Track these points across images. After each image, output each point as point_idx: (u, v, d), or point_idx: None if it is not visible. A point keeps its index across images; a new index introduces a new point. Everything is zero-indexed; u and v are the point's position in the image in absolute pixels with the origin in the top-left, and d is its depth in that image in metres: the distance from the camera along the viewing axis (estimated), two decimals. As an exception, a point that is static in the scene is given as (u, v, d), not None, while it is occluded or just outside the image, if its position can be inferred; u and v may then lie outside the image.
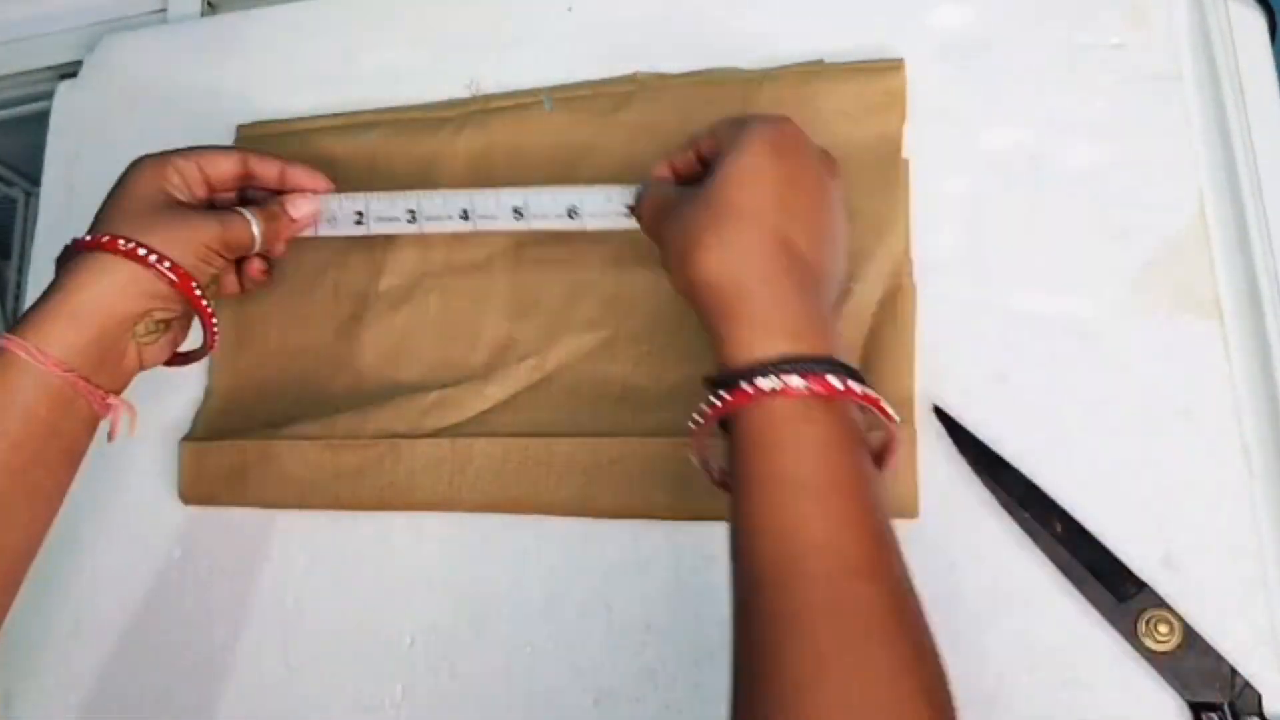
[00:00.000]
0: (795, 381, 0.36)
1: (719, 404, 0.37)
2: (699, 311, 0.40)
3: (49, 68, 0.70)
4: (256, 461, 0.54)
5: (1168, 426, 0.44)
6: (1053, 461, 0.45)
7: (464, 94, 0.58)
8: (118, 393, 0.47)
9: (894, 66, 0.51)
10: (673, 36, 0.55)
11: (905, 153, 0.50)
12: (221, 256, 0.49)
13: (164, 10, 0.69)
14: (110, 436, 0.47)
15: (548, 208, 0.48)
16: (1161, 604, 0.42)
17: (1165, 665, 0.41)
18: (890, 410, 0.38)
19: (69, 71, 0.68)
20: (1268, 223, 0.46)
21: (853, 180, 0.50)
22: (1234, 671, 0.41)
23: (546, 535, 0.50)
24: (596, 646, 0.48)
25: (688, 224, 0.40)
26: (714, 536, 0.47)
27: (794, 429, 0.36)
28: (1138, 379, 0.45)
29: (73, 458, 0.46)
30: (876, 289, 0.48)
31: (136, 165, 0.50)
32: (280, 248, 0.52)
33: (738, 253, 0.39)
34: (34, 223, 0.67)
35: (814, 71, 0.52)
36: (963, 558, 0.45)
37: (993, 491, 0.45)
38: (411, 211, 0.51)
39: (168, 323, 0.49)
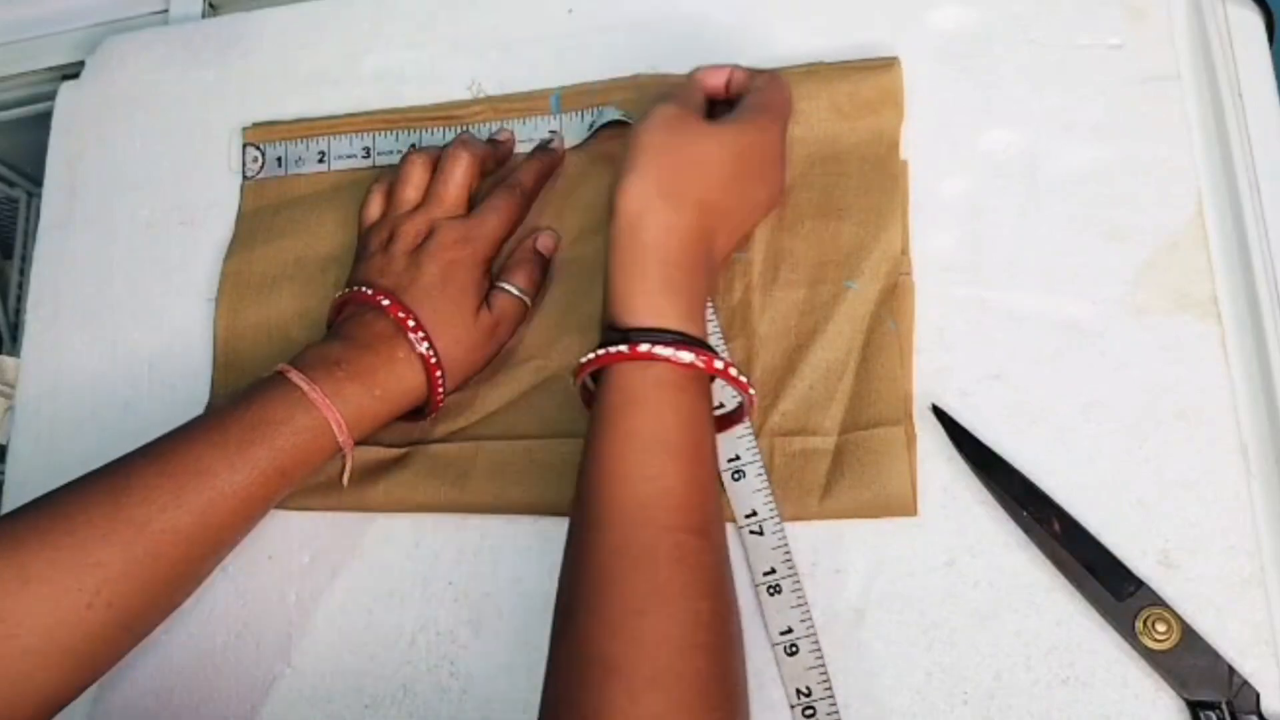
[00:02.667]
0: (684, 355, 0.40)
1: (621, 350, 0.41)
2: (611, 244, 0.43)
3: (51, 68, 0.70)
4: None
5: (1166, 426, 0.44)
6: (1051, 460, 0.45)
7: (464, 95, 0.59)
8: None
9: (888, 64, 0.51)
10: (673, 36, 0.55)
11: (904, 153, 0.50)
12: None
13: (165, 11, 0.69)
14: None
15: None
16: (1160, 602, 0.42)
17: (1163, 664, 0.41)
18: (744, 380, 0.43)
19: (71, 72, 0.68)
20: (1265, 223, 0.46)
21: (851, 179, 0.50)
22: (1232, 670, 0.41)
23: (547, 535, 0.50)
24: (596, 645, 0.48)
25: (660, 166, 0.43)
26: (713, 535, 0.47)
27: (671, 394, 0.41)
28: (1136, 379, 0.45)
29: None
30: (875, 288, 0.48)
31: (462, 268, 0.50)
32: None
33: (672, 227, 0.42)
34: (35, 223, 0.67)
35: (810, 71, 0.52)
36: (961, 556, 0.45)
37: (991, 490, 0.45)
38: (366, 149, 0.57)
39: None
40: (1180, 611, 0.42)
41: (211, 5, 0.69)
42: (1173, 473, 0.44)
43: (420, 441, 0.52)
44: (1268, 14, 0.50)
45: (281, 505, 0.53)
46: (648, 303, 0.42)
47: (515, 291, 0.51)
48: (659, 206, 0.43)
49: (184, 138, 0.64)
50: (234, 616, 0.53)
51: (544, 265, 0.53)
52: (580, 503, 0.40)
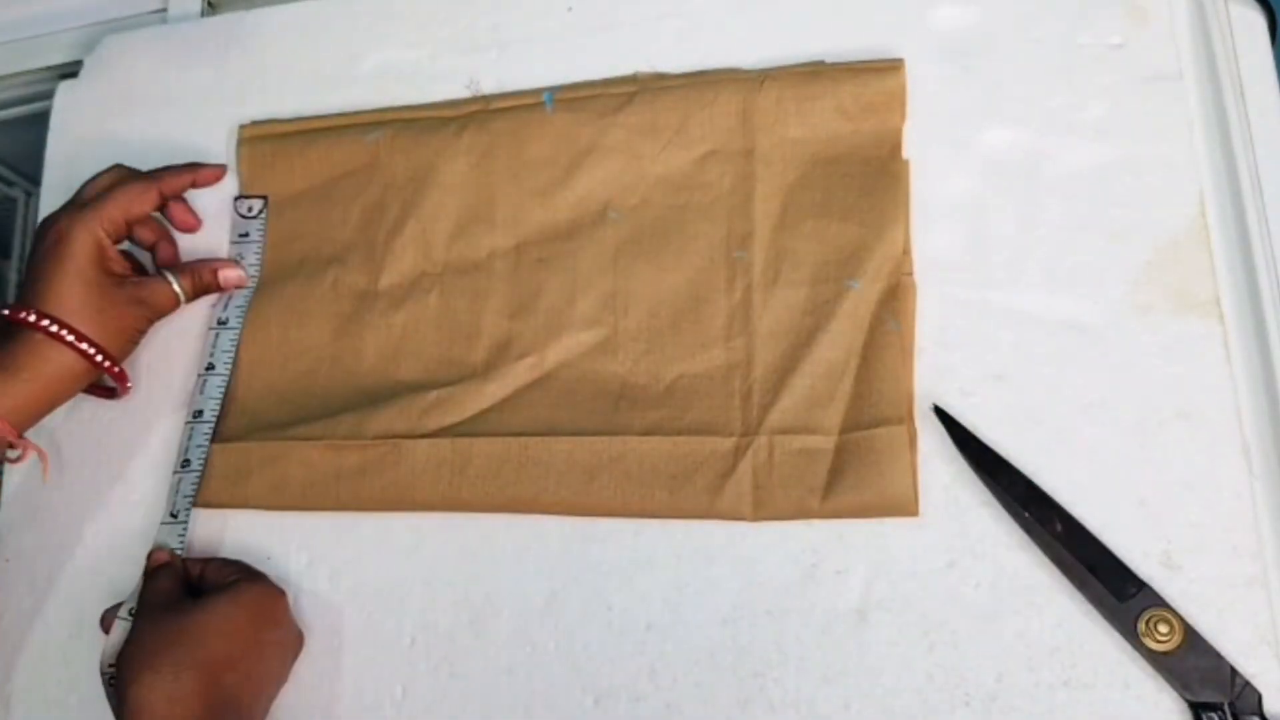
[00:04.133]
0: None
1: None
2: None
3: (49, 67, 0.70)
4: (259, 464, 0.54)
5: (1168, 426, 0.44)
6: (1053, 461, 0.45)
7: (464, 94, 0.58)
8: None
9: (894, 67, 0.51)
10: (673, 36, 0.55)
11: (906, 152, 0.50)
12: (150, 322, 0.56)
13: (164, 10, 0.68)
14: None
15: None
16: (1162, 604, 0.42)
17: (1165, 665, 0.41)
18: None
19: (69, 71, 0.68)
20: (1268, 222, 0.46)
21: (853, 179, 0.50)
22: (1234, 671, 0.41)
23: (546, 535, 0.50)
24: (596, 646, 0.48)
25: (149, 648, 0.46)
26: (714, 536, 0.47)
27: None
28: (1138, 379, 0.45)
29: None
30: (876, 287, 0.48)
31: (70, 234, 0.52)
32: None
33: (174, 697, 0.44)
34: (34, 222, 0.67)
35: (814, 71, 0.52)
36: (963, 557, 0.45)
37: (993, 491, 0.45)
38: None
39: None
40: (1182, 612, 0.42)
41: (210, 4, 0.68)
42: (1175, 473, 0.44)
43: (406, 435, 0.52)
44: (1270, 13, 0.50)
45: (282, 507, 0.53)
46: None
47: (170, 279, 0.56)
48: (153, 680, 0.45)
49: (183, 137, 0.63)
50: (233, 617, 0.53)
51: (211, 283, 0.57)
52: None
